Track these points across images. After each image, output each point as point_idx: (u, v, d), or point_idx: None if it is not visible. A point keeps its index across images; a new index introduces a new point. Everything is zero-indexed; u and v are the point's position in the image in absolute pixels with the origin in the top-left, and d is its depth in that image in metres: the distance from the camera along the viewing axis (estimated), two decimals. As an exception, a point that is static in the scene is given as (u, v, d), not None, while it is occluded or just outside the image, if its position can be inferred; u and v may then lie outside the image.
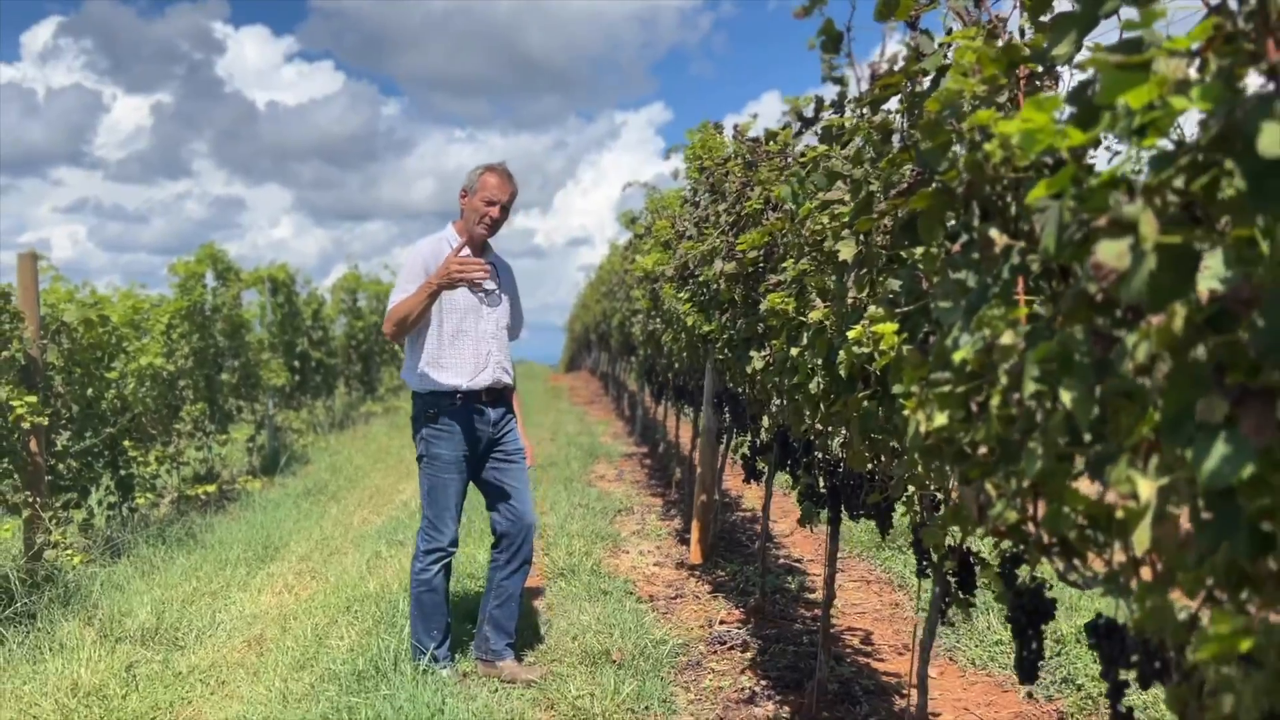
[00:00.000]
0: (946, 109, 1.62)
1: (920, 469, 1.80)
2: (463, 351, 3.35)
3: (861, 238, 2.10)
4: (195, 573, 4.90)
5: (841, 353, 2.04)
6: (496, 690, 3.28)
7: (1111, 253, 1.11)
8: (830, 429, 2.65)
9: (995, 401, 1.40)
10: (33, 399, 4.42)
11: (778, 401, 3.17)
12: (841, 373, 2.07)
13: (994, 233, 1.49)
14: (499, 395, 3.46)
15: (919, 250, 1.83)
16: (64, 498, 5.16)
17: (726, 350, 3.63)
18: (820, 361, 2.40)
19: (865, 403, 2.17)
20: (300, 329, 10.29)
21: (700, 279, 3.96)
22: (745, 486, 6.57)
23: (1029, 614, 1.62)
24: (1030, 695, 3.25)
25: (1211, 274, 1.02)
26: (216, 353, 7.64)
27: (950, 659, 3.66)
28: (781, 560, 5.13)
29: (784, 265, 2.73)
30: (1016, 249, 1.47)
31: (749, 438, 4.24)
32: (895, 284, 1.97)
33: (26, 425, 4.42)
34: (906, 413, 1.64)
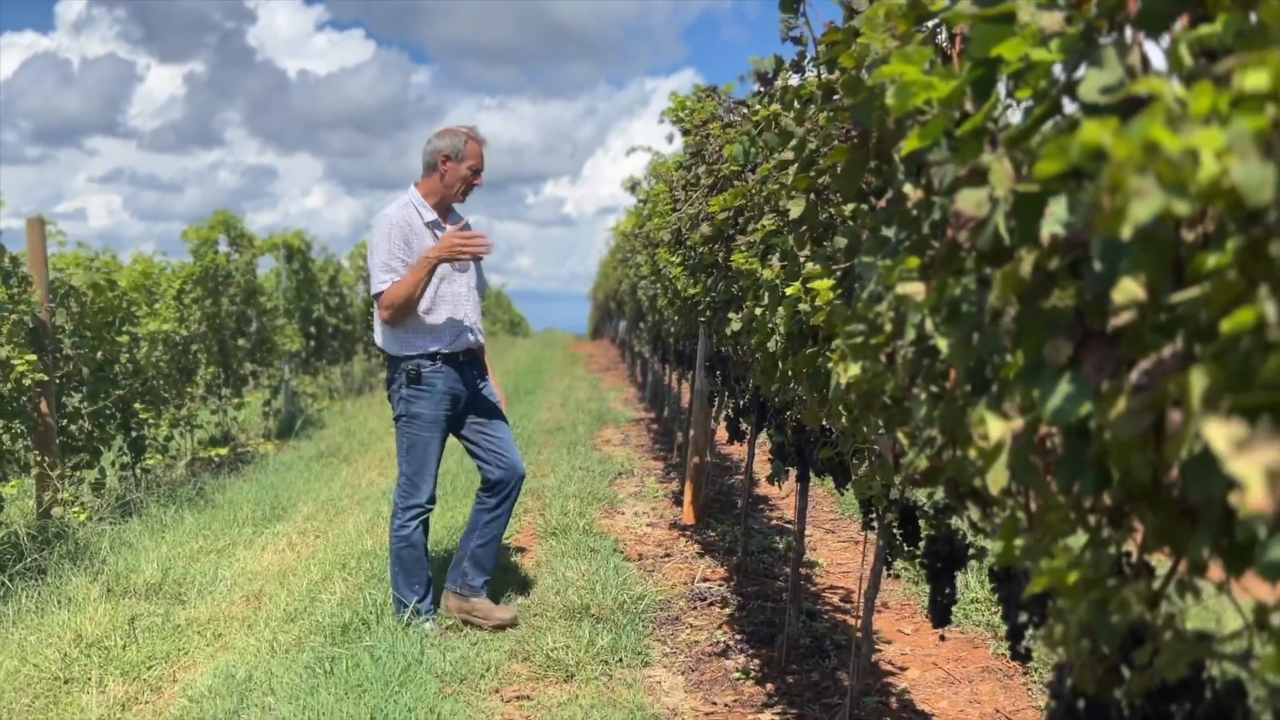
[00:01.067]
0: (868, 65, 1.64)
1: (844, 420, 1.84)
2: (442, 315, 3.42)
3: (812, 196, 2.13)
4: (203, 531, 5.04)
5: (781, 309, 2.08)
6: (476, 642, 3.37)
7: (971, 201, 1.14)
8: (791, 386, 2.69)
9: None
10: (32, 358, 4.54)
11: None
12: (782, 329, 2.11)
13: (908, 188, 1.51)
14: (474, 356, 3.54)
15: (849, 207, 1.86)
16: (76, 458, 5.31)
17: (708, 312, 3.67)
18: (778, 320, 2.43)
19: (819, 359, 2.21)
20: (316, 295, 10.42)
21: (688, 243, 3.99)
22: (744, 450, 6.61)
23: (943, 560, 1.67)
24: (999, 651, 3.29)
25: (1054, 219, 1.04)
26: (238, 318, 7.77)
27: (926, 616, 3.70)
28: (774, 521, 5.18)
29: (752, 226, 2.76)
30: (938, 204, 1.50)
31: (734, 399, 4.29)
32: (843, 241, 2.00)
33: (28, 383, 4.54)
34: (829, 365, 1.68)
